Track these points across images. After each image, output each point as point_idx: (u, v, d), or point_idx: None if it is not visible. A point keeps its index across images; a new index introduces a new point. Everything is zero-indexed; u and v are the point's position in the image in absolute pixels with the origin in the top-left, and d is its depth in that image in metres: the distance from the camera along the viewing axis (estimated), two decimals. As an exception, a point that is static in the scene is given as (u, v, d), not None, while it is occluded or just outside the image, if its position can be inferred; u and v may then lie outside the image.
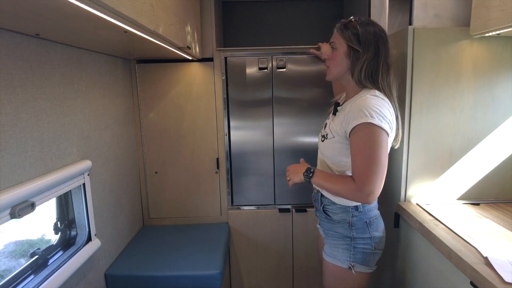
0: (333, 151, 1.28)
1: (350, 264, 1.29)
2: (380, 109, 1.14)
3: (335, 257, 1.32)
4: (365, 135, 1.13)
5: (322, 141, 1.34)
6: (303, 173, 1.28)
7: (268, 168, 2.15)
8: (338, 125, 1.26)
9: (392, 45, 1.58)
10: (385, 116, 1.14)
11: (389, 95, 1.23)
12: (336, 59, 1.27)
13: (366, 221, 1.29)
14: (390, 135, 1.17)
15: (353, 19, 1.25)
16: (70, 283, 1.35)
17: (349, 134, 1.18)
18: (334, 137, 1.27)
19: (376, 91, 1.22)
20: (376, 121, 1.12)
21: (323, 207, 1.37)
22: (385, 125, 1.13)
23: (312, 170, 1.27)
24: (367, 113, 1.12)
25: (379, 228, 1.32)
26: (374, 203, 1.32)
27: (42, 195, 1.16)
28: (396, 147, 1.32)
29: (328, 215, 1.35)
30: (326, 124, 1.40)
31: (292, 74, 2.05)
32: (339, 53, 1.26)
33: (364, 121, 1.12)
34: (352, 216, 1.29)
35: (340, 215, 1.31)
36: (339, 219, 1.32)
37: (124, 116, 1.93)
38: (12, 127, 1.05)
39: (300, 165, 1.34)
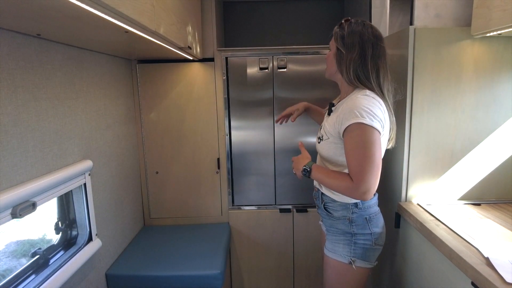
0: (329, 152, 1.30)
1: (351, 259, 1.32)
2: (371, 108, 1.15)
3: (336, 252, 1.35)
4: (357, 135, 1.15)
5: (319, 142, 1.36)
6: (301, 171, 1.32)
7: (269, 168, 2.15)
8: (331, 126, 1.27)
9: (393, 45, 1.58)
10: (376, 115, 1.15)
11: (380, 95, 1.23)
12: (328, 59, 1.34)
13: (366, 218, 1.32)
14: (382, 133, 1.18)
15: (344, 20, 1.28)
16: (71, 283, 1.35)
17: (342, 134, 1.20)
18: (328, 138, 1.29)
19: (367, 90, 1.22)
20: (367, 120, 1.13)
21: (324, 205, 1.39)
22: (376, 124, 1.14)
23: (309, 169, 1.29)
24: (357, 113, 1.14)
25: (378, 224, 1.34)
26: (374, 200, 1.34)
27: (43, 195, 1.16)
28: (389, 147, 1.33)
29: (329, 212, 1.37)
30: (321, 126, 1.41)
31: (293, 74, 2.05)
32: (330, 53, 1.33)
33: (355, 121, 1.14)
34: (352, 213, 1.32)
35: (341, 212, 1.34)
36: (339, 216, 1.34)
37: (125, 116, 1.93)
38: (13, 127, 1.05)
39: (301, 157, 1.36)
